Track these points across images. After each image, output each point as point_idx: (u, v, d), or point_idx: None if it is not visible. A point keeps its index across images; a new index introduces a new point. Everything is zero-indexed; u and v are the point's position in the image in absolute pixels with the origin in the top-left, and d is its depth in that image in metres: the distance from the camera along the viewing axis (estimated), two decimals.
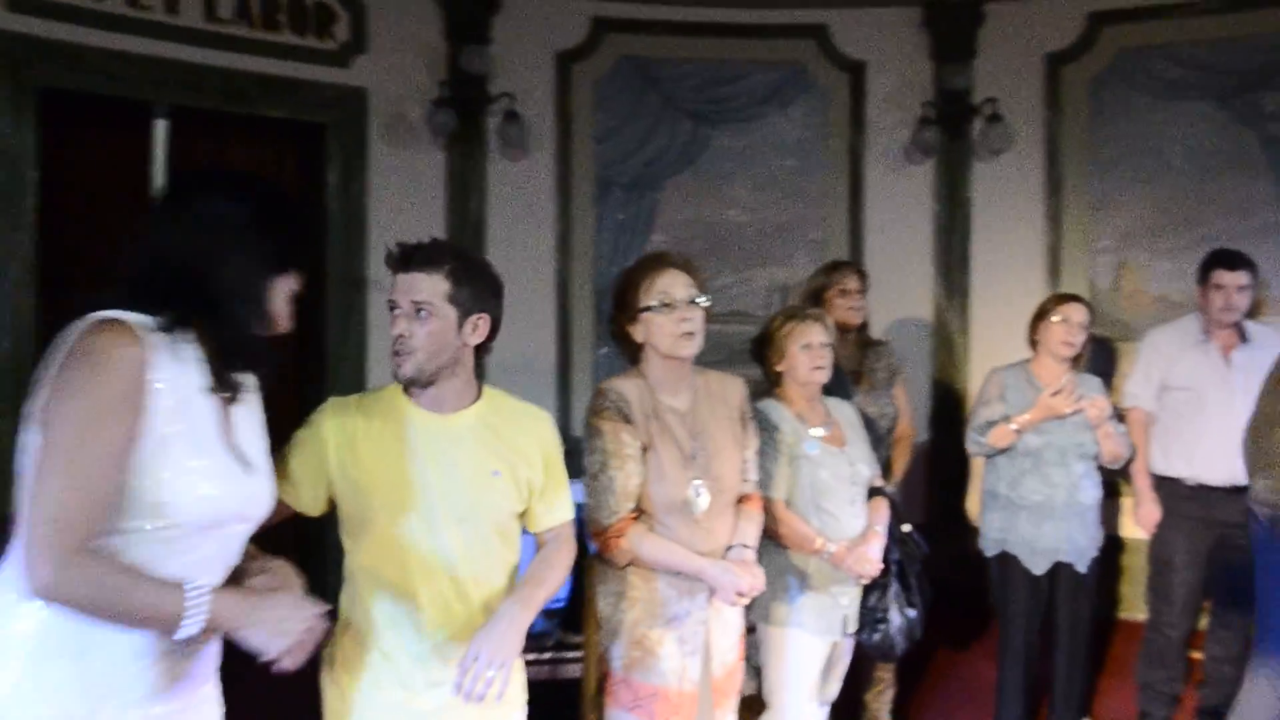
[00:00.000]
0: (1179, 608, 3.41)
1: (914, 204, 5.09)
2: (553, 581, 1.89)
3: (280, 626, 1.38)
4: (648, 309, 2.17)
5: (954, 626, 4.21)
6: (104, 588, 1.29)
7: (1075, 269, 4.93)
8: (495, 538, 1.84)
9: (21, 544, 1.29)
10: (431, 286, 1.75)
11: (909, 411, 3.72)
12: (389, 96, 4.76)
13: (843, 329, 3.33)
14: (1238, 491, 3.31)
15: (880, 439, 3.35)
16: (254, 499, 1.49)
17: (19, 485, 1.36)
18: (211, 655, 1.53)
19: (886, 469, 3.38)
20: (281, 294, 1.52)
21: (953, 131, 4.98)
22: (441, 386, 1.80)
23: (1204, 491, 3.35)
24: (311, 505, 1.81)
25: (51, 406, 1.31)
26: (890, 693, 3.42)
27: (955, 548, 4.29)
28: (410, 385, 1.79)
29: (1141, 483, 3.46)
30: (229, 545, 1.47)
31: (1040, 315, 3.38)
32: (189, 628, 1.32)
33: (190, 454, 1.38)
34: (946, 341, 5.08)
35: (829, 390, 2.76)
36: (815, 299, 3.42)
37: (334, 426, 1.79)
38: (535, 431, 1.91)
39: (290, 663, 1.41)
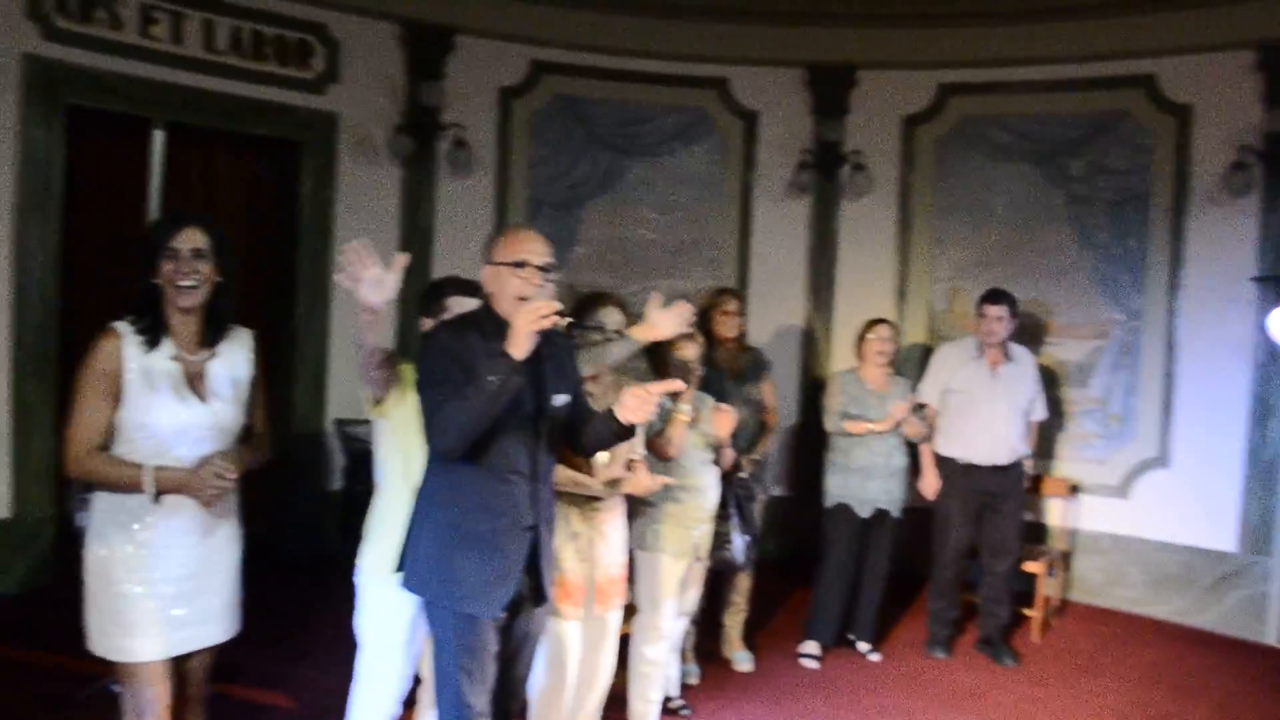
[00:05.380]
0: (952, 553, 4.53)
1: (791, 233, 6.15)
2: None
3: (200, 486, 2.35)
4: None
5: (808, 570, 4.95)
6: (96, 472, 2.33)
7: (918, 293, 6.05)
8: None
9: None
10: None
11: (773, 404, 4.69)
12: (356, 121, 5.60)
13: (723, 339, 4.37)
14: (997, 470, 4.44)
15: (745, 419, 4.35)
16: (205, 419, 2.38)
17: None
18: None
19: (754, 444, 4.39)
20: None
21: (825, 175, 6.04)
22: None
23: (972, 468, 4.48)
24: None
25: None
26: (742, 615, 4.45)
27: (816, 510, 4.70)
28: None
29: (926, 461, 4.58)
30: (200, 445, 2.38)
31: (861, 336, 4.46)
32: (149, 488, 2.32)
33: (156, 396, 2.34)
34: (813, 346, 6.16)
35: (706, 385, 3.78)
36: (703, 315, 4.45)
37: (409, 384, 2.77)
38: None
39: (211, 503, 2.38)
